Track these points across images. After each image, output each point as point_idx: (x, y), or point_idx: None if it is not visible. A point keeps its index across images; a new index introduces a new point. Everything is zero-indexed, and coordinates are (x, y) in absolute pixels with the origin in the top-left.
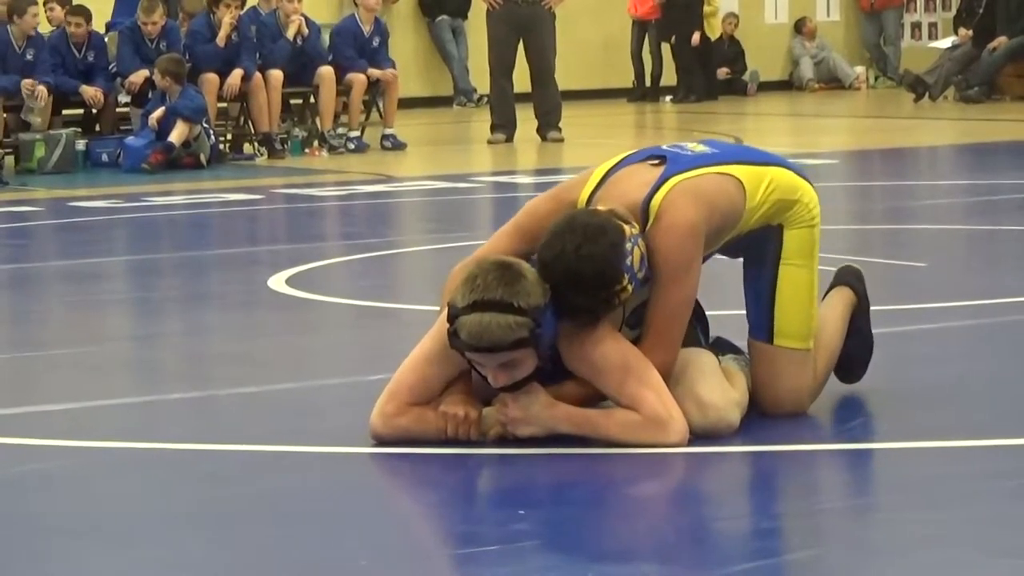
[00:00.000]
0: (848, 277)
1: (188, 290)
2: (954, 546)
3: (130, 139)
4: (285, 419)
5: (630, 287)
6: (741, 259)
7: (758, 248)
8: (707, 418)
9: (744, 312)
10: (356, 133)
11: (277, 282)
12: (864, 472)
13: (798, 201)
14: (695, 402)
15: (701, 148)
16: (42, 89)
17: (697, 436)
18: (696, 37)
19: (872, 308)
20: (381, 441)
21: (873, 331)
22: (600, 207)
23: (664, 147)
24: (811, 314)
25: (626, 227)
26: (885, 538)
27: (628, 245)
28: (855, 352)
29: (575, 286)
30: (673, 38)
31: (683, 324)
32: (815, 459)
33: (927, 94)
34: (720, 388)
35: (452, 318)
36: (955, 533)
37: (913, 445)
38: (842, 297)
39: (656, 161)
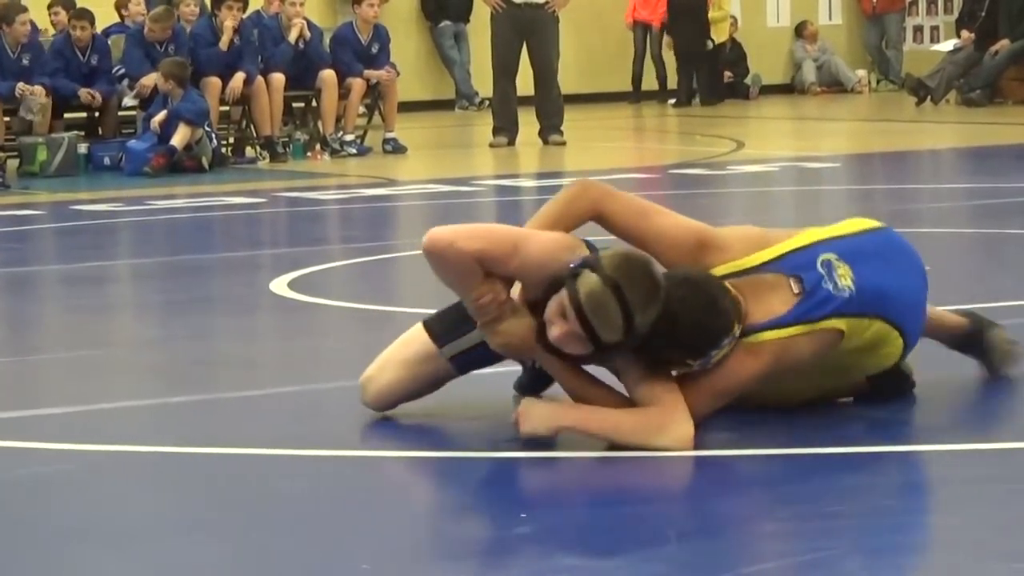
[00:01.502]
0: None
1: (190, 294)
2: (952, 550)
3: (132, 142)
4: (287, 422)
5: (695, 366)
6: None
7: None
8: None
9: None
10: (351, 137)
11: (279, 285)
12: (864, 476)
13: (879, 353)
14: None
15: (845, 283)
16: (39, 88)
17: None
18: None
19: None
20: (429, 250)
21: None
22: (732, 289)
23: (819, 261)
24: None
25: (736, 326)
26: (884, 542)
27: (726, 341)
28: (896, 386)
29: (673, 341)
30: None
31: (716, 406)
32: (816, 463)
33: (929, 97)
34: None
35: (586, 266)
36: (956, 537)
37: (913, 449)
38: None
39: (798, 289)
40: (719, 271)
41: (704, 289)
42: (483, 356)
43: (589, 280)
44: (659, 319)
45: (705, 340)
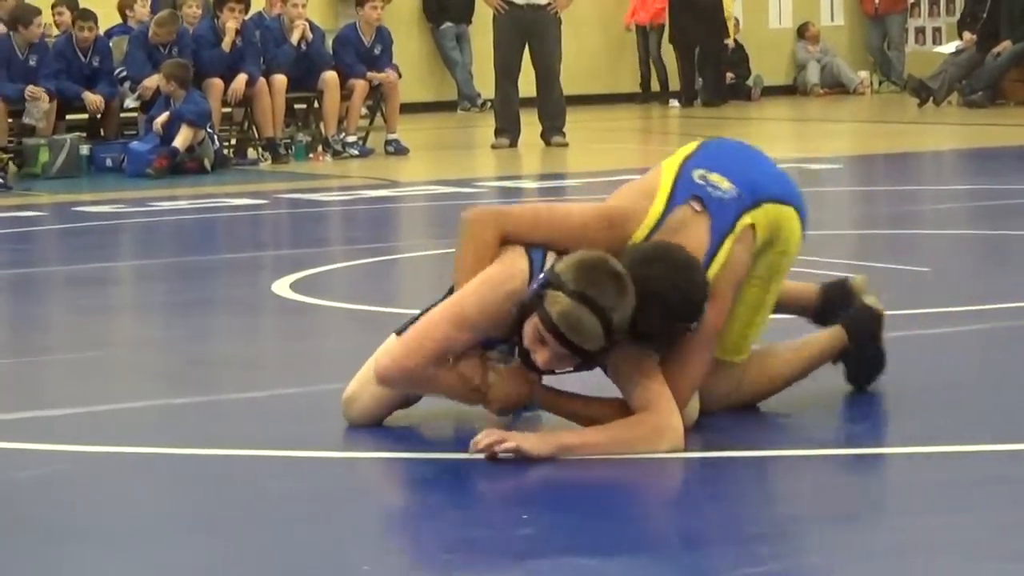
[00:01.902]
0: (859, 320)
1: (192, 295)
2: (956, 551)
3: (134, 144)
4: (289, 424)
5: (695, 327)
6: None
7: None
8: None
9: None
10: (353, 138)
11: (281, 287)
12: (866, 477)
13: (780, 238)
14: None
15: (727, 185)
16: (44, 95)
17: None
18: (723, 43)
19: None
20: (386, 385)
21: None
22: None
23: (695, 178)
24: (751, 331)
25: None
26: (886, 543)
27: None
28: (873, 364)
29: (670, 316)
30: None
31: (707, 356)
32: (816, 464)
33: (931, 99)
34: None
35: (549, 286)
36: (957, 538)
37: (915, 450)
38: (832, 338)
39: (699, 207)
40: (640, 235)
41: (669, 258)
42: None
43: (556, 299)
44: (646, 304)
45: (697, 301)
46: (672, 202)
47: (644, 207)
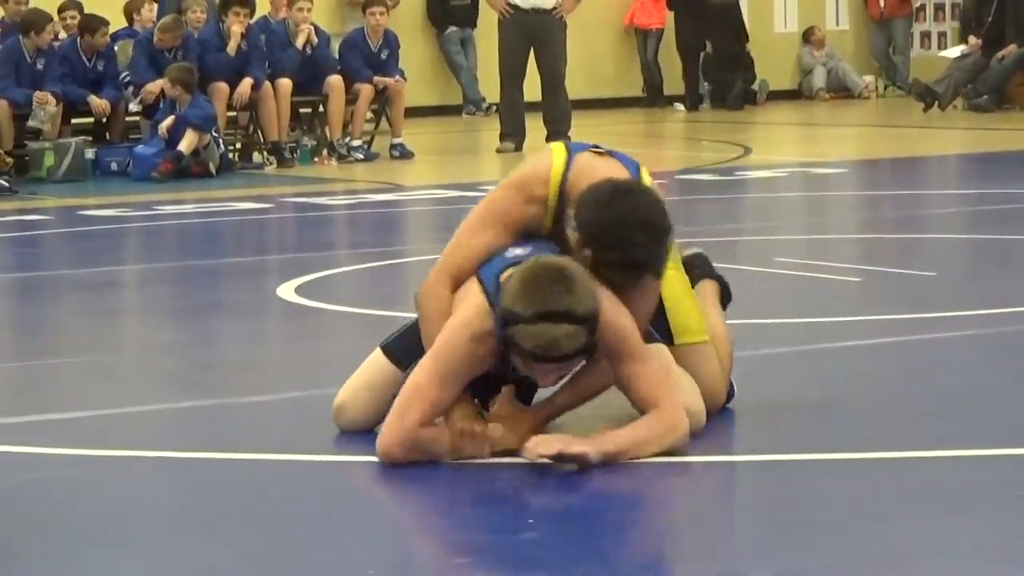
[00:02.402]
0: (703, 267)
1: (197, 299)
2: (962, 555)
3: (140, 148)
4: (294, 428)
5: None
6: None
7: None
8: (693, 423)
9: None
10: (359, 142)
11: (286, 291)
12: (871, 481)
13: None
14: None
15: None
16: (50, 98)
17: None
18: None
19: (882, 317)
20: (392, 461)
21: (881, 340)
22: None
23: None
24: (696, 307)
25: None
26: (892, 547)
27: None
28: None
29: (648, 232)
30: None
31: (655, 301)
32: (822, 468)
33: (936, 103)
34: (693, 393)
35: (508, 326)
36: (963, 542)
37: (921, 454)
38: (710, 288)
39: (600, 151)
40: (552, 191)
41: (619, 187)
42: None
43: (521, 333)
44: (631, 236)
45: (662, 204)
46: (571, 154)
47: (544, 164)
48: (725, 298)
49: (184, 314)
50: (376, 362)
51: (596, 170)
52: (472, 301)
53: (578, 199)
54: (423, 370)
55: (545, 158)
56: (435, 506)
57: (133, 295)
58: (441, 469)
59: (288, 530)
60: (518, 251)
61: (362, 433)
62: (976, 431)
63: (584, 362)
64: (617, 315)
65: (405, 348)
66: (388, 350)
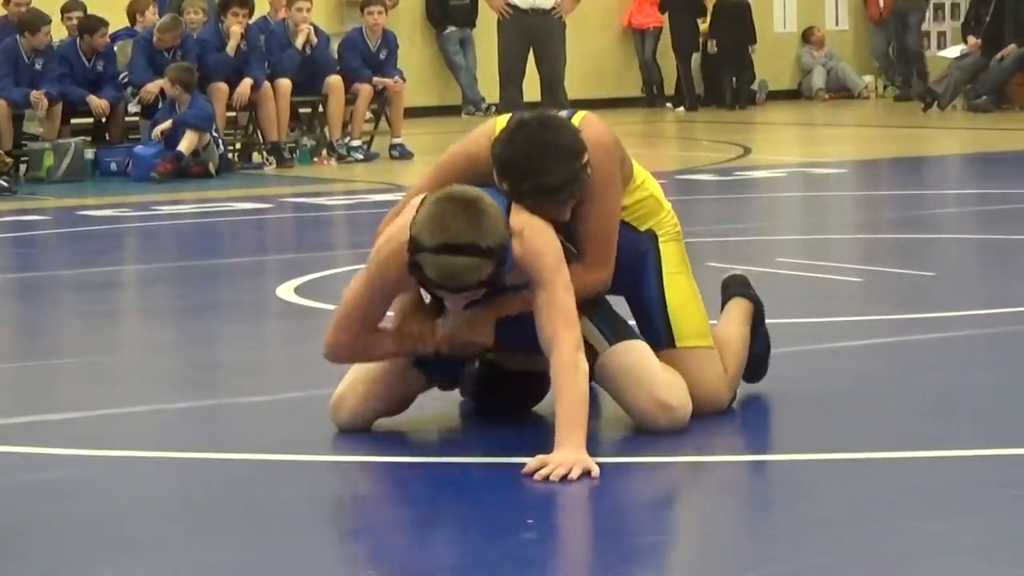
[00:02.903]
0: (739, 287)
1: (196, 299)
2: (962, 556)
3: (139, 148)
4: (294, 428)
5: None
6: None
7: (638, 263)
8: (673, 418)
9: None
10: (358, 143)
11: (286, 291)
12: (871, 481)
13: (665, 209)
14: (659, 405)
15: None
16: (42, 97)
17: (660, 432)
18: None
19: (882, 317)
20: (334, 362)
21: (881, 340)
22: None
23: None
24: (702, 313)
25: None
26: (892, 547)
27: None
28: (759, 351)
29: (554, 156)
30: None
31: (615, 238)
32: (823, 468)
33: (936, 103)
34: (676, 387)
35: (415, 252)
36: (963, 543)
37: (921, 454)
38: (739, 305)
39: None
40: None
41: (529, 119)
42: (448, 358)
43: (424, 261)
44: (541, 163)
45: (576, 130)
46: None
47: (488, 126)
48: (758, 319)
49: (183, 314)
50: None
51: (601, 135)
52: (406, 214)
53: (493, 140)
54: (355, 278)
55: (489, 122)
56: (435, 506)
57: (132, 295)
58: (441, 469)
59: (288, 530)
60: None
61: (361, 433)
62: (976, 431)
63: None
64: (534, 242)
65: None
66: None
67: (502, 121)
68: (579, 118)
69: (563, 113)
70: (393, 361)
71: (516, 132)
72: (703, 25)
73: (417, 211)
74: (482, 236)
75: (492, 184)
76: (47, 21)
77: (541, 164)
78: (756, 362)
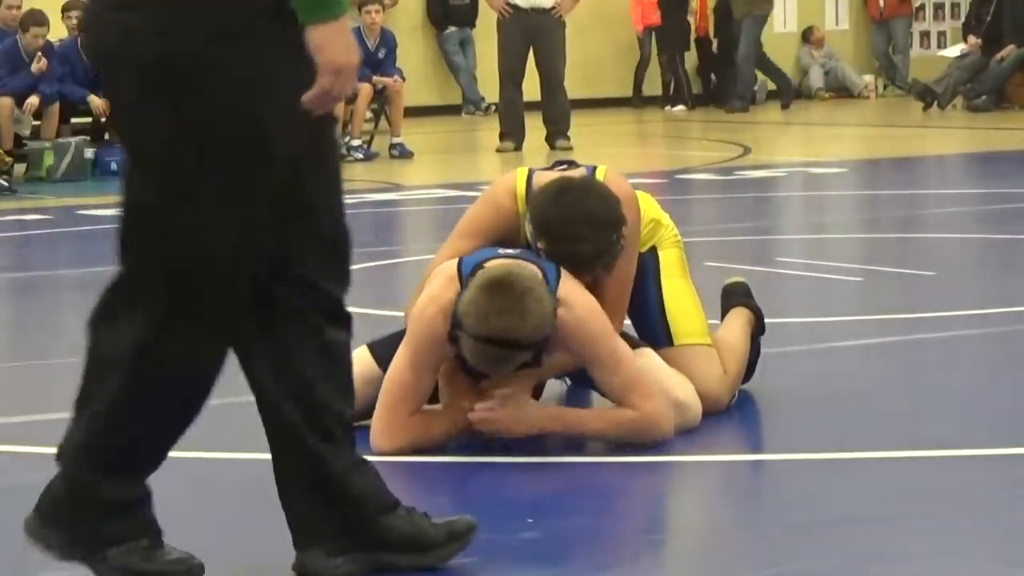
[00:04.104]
0: (740, 297)
1: None
2: (967, 555)
3: None
4: None
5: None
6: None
7: (638, 273)
8: (685, 418)
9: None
10: (358, 142)
11: None
12: (871, 481)
13: (663, 224)
14: (673, 404)
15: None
16: (32, 102)
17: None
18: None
19: (882, 317)
20: (391, 453)
21: (882, 340)
22: None
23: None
24: (700, 314)
25: None
26: (892, 546)
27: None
28: (751, 359)
29: (594, 227)
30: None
31: (630, 288)
32: (822, 468)
33: (936, 103)
34: (687, 386)
35: (456, 328)
36: (964, 543)
37: (921, 454)
38: (741, 313)
39: (565, 167)
40: (521, 200)
41: (571, 184)
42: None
43: (463, 341)
44: (577, 230)
45: (615, 201)
46: (532, 170)
47: (509, 176)
48: (758, 329)
49: None
50: (358, 357)
51: (625, 191)
52: (444, 274)
53: (532, 196)
54: (400, 358)
55: (510, 172)
56: (435, 506)
57: None
58: (441, 469)
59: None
60: (508, 251)
61: (364, 434)
62: (976, 431)
63: None
64: (585, 320)
65: (388, 350)
66: (373, 349)
67: (522, 174)
68: (602, 173)
69: (583, 170)
70: (374, 368)
71: (561, 196)
72: (694, 23)
73: (466, 284)
74: (526, 335)
75: (515, 238)
76: (38, 22)
77: (579, 232)
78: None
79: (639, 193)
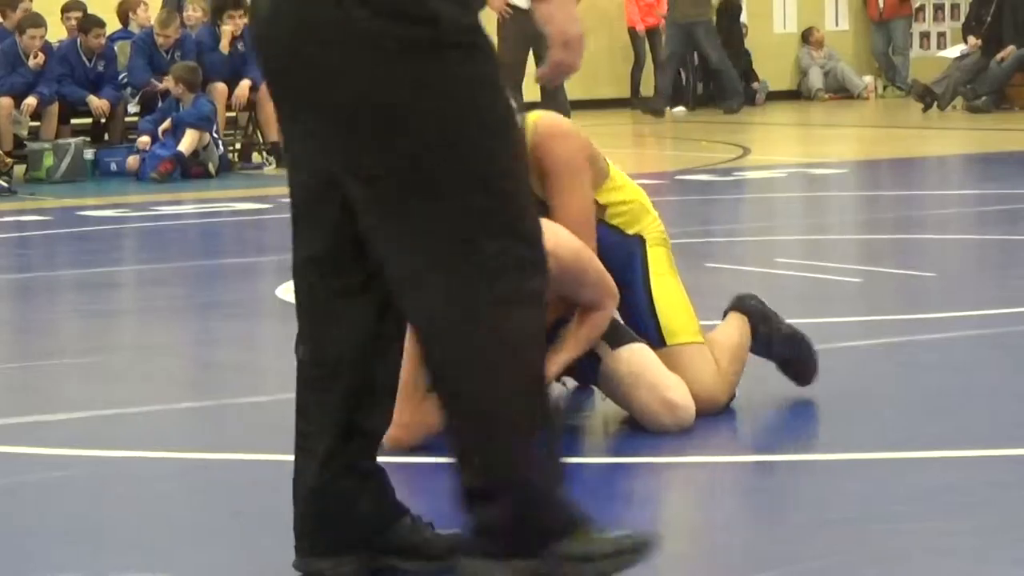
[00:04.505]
0: (740, 301)
1: (196, 299)
2: (962, 556)
3: (156, 146)
4: (293, 428)
5: None
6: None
7: (627, 267)
8: (679, 418)
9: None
10: None
11: (285, 291)
12: (871, 481)
13: (651, 215)
14: (665, 405)
15: None
16: (29, 103)
17: (664, 433)
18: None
19: (881, 317)
20: (408, 447)
21: (881, 341)
22: None
23: None
24: (690, 312)
25: None
26: (892, 547)
27: None
28: (803, 355)
29: None
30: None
31: (593, 226)
32: (822, 468)
33: (935, 104)
34: (681, 387)
35: None
36: (963, 543)
37: (921, 454)
38: (735, 316)
39: None
40: None
41: None
42: None
43: None
44: None
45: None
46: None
47: None
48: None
49: (183, 314)
50: None
51: (558, 125)
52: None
53: None
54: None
55: None
56: (435, 505)
57: (132, 295)
58: (441, 468)
59: (288, 530)
60: None
61: None
62: (976, 431)
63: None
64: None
65: None
66: None
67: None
68: (534, 118)
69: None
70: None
71: None
72: None
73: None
74: None
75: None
76: (35, 24)
77: None
78: (802, 366)
79: (626, 177)
